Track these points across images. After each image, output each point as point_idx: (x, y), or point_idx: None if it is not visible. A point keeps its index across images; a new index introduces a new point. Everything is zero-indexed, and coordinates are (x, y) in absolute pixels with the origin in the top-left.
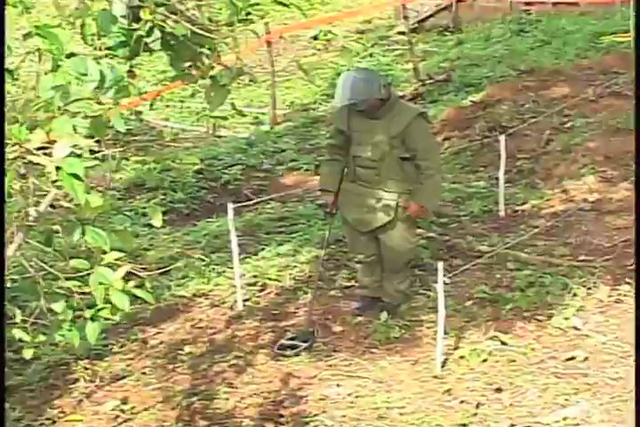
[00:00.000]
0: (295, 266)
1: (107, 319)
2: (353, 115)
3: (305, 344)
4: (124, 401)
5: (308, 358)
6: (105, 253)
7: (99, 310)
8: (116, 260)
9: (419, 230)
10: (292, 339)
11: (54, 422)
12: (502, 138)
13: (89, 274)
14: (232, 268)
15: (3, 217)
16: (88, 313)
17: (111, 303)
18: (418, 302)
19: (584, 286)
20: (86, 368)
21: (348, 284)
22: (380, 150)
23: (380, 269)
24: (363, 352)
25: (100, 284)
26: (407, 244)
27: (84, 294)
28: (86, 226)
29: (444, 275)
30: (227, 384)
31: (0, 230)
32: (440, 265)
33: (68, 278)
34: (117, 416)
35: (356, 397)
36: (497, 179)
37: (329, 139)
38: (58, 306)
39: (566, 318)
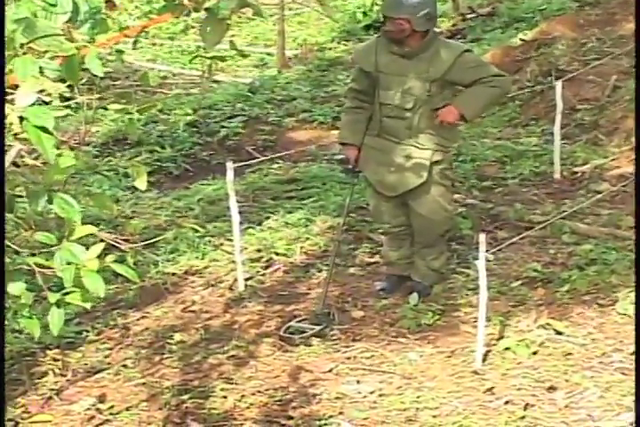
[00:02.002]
0: (307, 238)
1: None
2: (382, 53)
3: (317, 327)
4: (102, 399)
5: (322, 348)
6: (76, 224)
7: (65, 294)
8: (92, 233)
9: (457, 196)
10: (302, 321)
11: (17, 423)
12: (559, 84)
13: (58, 249)
14: (231, 240)
15: (3, 218)
16: (52, 297)
17: (83, 287)
18: (455, 282)
19: None
20: (56, 360)
21: (371, 260)
22: (414, 97)
23: (410, 242)
24: (388, 342)
25: (69, 263)
26: (442, 212)
27: (51, 273)
28: (53, 192)
29: (487, 250)
30: (224, 380)
31: (1, 226)
32: (482, 238)
33: (31, 254)
34: (93, 417)
35: (380, 395)
36: (552, 134)
37: (351, 82)
38: (15, 287)
39: (634, 303)
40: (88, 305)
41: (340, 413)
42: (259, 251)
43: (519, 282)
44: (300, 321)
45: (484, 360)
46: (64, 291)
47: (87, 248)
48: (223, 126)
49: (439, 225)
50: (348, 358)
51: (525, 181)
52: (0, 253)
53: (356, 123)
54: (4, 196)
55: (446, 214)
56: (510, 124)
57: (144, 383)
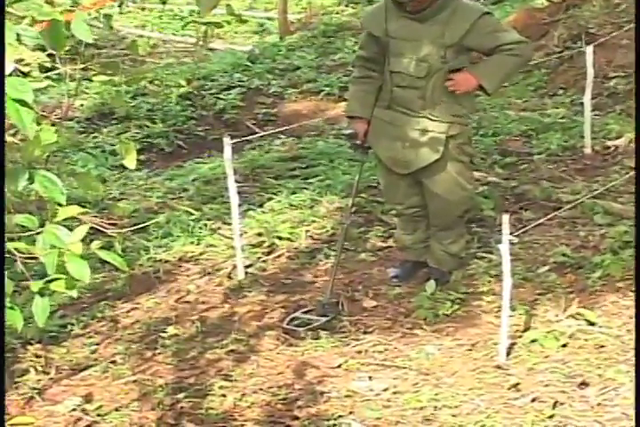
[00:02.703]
0: (313, 221)
1: (63, 292)
2: (393, 17)
3: (324, 318)
4: (88, 399)
5: (330, 341)
6: (60, 205)
7: (49, 281)
8: (76, 215)
9: (477, 173)
10: (308, 312)
11: None
12: (589, 50)
13: (39, 233)
14: (230, 224)
15: (2, 217)
16: (35, 286)
17: (67, 273)
18: (476, 267)
19: None
20: (38, 356)
21: (383, 244)
22: (427, 65)
23: (426, 224)
24: (402, 335)
25: (53, 247)
26: (461, 191)
27: (32, 259)
28: (35, 170)
29: (511, 232)
30: (223, 377)
31: (0, 227)
32: (505, 219)
33: (10, 239)
34: (79, 419)
35: (394, 393)
36: (582, 104)
37: (359, 50)
38: None
39: None
40: (74, 293)
41: (351, 412)
42: (260, 235)
43: (546, 267)
44: (305, 312)
45: (508, 354)
46: (47, 278)
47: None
48: (220, 99)
49: (457, 205)
50: (359, 353)
51: (553, 156)
52: (0, 252)
53: (364, 94)
54: (4, 195)
55: (465, 194)
56: (536, 94)
57: (135, 381)
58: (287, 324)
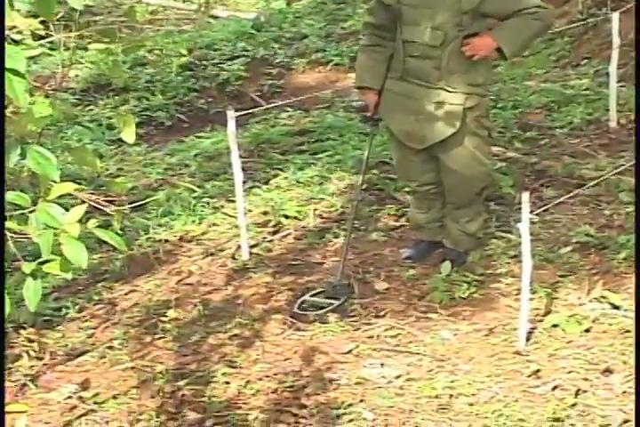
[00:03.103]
0: (322, 199)
1: (56, 275)
2: None
3: (336, 302)
4: (84, 386)
5: (339, 325)
6: (54, 182)
7: (42, 263)
8: (72, 192)
9: (496, 148)
10: (317, 295)
11: None
12: (615, 16)
13: (32, 211)
14: (234, 201)
15: (2, 215)
16: (27, 267)
17: (62, 255)
18: (494, 248)
19: None
20: (31, 341)
21: (396, 223)
22: (443, 33)
23: (442, 202)
24: (416, 319)
25: (47, 227)
26: (479, 166)
27: (26, 239)
28: (27, 145)
29: (532, 210)
30: (227, 363)
31: (1, 223)
32: (525, 197)
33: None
34: (74, 407)
35: (407, 380)
36: (607, 75)
37: (368, 16)
38: None
39: None
40: (69, 276)
41: (361, 400)
42: (265, 214)
43: (569, 248)
44: (314, 295)
45: (528, 339)
46: (40, 260)
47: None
48: (223, 69)
49: (475, 182)
50: (370, 338)
51: (576, 130)
52: (0, 250)
53: (374, 63)
54: (4, 194)
55: (483, 169)
56: (558, 65)
57: (133, 368)
58: (297, 308)
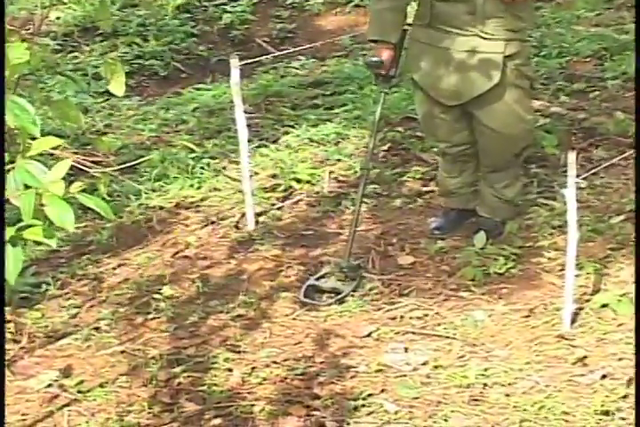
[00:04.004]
0: (338, 160)
1: (37, 243)
2: None
3: (347, 289)
4: (67, 373)
5: (357, 305)
6: (34, 139)
7: (22, 228)
8: (54, 149)
9: (538, 102)
10: (324, 277)
11: None
12: None
13: (9, 171)
14: (238, 163)
15: (2, 214)
16: (6, 233)
17: (46, 219)
18: (535, 217)
19: None
20: (7, 321)
21: (423, 188)
22: None
23: (475, 165)
24: (446, 297)
25: (27, 188)
26: (519, 123)
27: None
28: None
29: (578, 174)
30: (229, 347)
31: (1, 221)
32: (572, 158)
33: None
34: (56, 396)
35: (435, 367)
36: None
37: None
38: None
39: None
40: (53, 243)
41: (382, 390)
42: (274, 177)
43: (621, 217)
44: (321, 277)
45: (573, 321)
46: (20, 225)
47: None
48: (226, 11)
49: (514, 141)
50: (393, 319)
51: (630, 82)
52: (0, 249)
53: (390, 13)
54: (4, 194)
55: (524, 127)
56: (612, 6)
57: (123, 352)
58: (304, 295)
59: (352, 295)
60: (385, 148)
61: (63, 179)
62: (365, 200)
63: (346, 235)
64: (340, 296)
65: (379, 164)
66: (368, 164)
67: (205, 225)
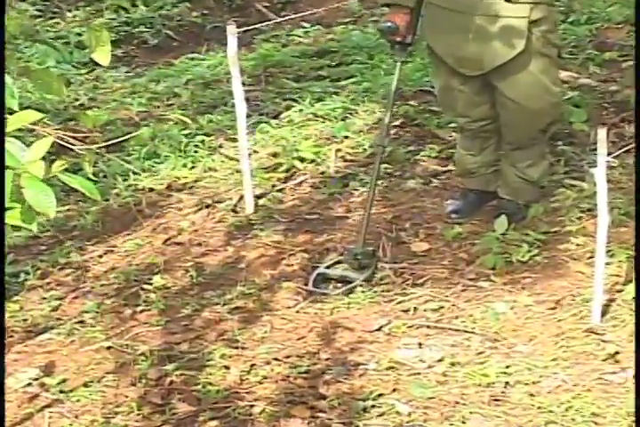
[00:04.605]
0: (346, 137)
1: (16, 229)
2: None
3: (359, 278)
4: (49, 371)
5: (367, 296)
6: (12, 113)
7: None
8: (33, 124)
9: (566, 73)
10: (335, 266)
11: None
12: None
13: None
14: (235, 140)
15: (2, 213)
16: None
17: (25, 202)
18: (562, 199)
19: None
20: None
21: (440, 168)
22: None
23: (497, 142)
24: (464, 288)
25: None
26: (545, 95)
27: None
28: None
29: (609, 152)
30: (226, 343)
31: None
32: (602, 134)
33: None
34: (36, 396)
35: (452, 365)
36: None
37: None
38: None
39: None
40: (34, 227)
41: (394, 390)
42: (275, 156)
43: None
44: (331, 266)
45: (603, 314)
46: None
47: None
48: None
49: (540, 116)
50: (406, 311)
51: None
52: (0, 249)
53: None
54: (4, 195)
55: (550, 100)
56: None
57: (109, 348)
58: (313, 284)
59: (361, 285)
60: (397, 123)
61: (44, 158)
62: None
63: (354, 219)
64: (351, 285)
65: (390, 141)
66: (384, 139)
67: (200, 209)
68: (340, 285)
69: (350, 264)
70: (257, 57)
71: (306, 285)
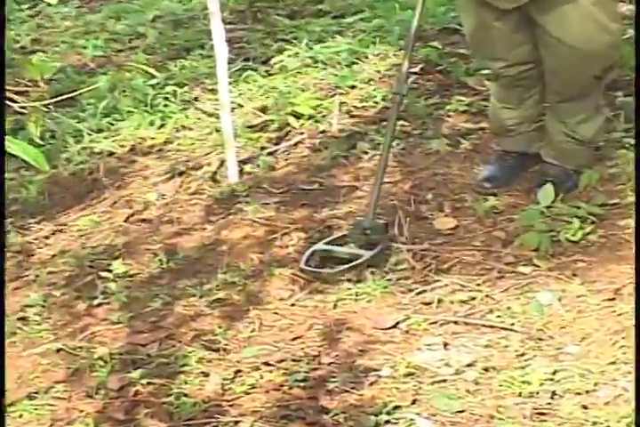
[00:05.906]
0: (352, 87)
1: None
2: None
3: (365, 255)
4: None
5: (378, 286)
6: None
7: None
8: None
9: (625, 7)
10: (338, 242)
11: None
12: None
13: None
14: (215, 92)
15: (2, 214)
16: None
17: None
18: (621, 164)
19: None
20: None
21: (469, 125)
22: None
23: (540, 92)
24: (499, 275)
25: None
26: (600, 34)
27: None
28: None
29: None
30: (204, 344)
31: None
32: None
33: None
34: None
35: (485, 370)
36: None
37: None
38: None
39: None
40: None
41: (414, 401)
42: (264, 111)
43: None
44: (331, 242)
45: None
46: None
47: None
48: None
49: (594, 60)
50: (428, 304)
51: None
52: (0, 250)
53: None
54: (4, 194)
55: (607, 39)
56: None
57: (60, 351)
58: (306, 263)
59: (372, 272)
60: (417, 70)
61: None
62: (385, 143)
63: (363, 189)
64: (353, 263)
65: (409, 91)
66: (402, 87)
67: (171, 177)
68: (330, 264)
69: (357, 240)
70: None
71: (302, 271)
